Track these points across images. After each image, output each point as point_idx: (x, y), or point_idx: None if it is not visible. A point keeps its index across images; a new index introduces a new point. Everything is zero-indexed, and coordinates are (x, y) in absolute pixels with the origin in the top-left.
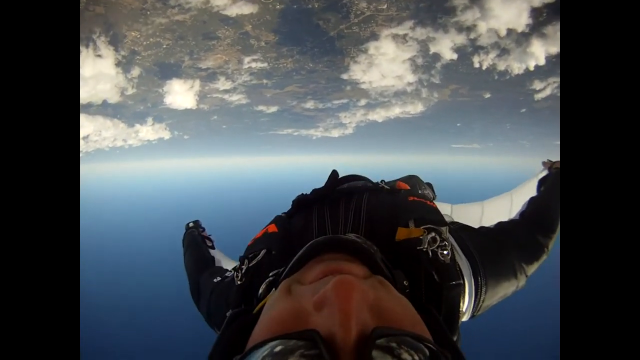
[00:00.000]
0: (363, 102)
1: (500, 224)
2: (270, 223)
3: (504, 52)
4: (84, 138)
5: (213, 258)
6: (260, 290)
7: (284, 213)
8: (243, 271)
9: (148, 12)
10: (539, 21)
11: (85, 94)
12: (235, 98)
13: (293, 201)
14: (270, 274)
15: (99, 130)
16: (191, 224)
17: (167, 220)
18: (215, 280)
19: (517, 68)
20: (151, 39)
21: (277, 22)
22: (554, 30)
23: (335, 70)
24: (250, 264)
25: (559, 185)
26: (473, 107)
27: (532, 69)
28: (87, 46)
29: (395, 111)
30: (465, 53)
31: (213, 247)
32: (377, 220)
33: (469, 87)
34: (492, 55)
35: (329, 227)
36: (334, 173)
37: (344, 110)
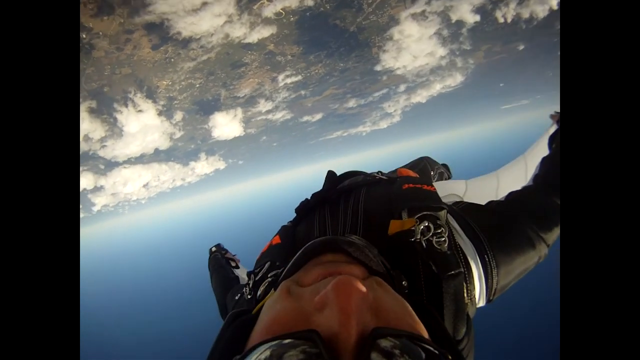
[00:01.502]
0: (402, 87)
1: (511, 194)
2: (275, 235)
3: None
4: (144, 186)
5: (237, 277)
6: (260, 291)
7: (290, 222)
8: (250, 286)
9: (172, 60)
10: None
11: (137, 147)
12: (279, 116)
13: (295, 209)
14: (269, 275)
15: (157, 176)
16: (214, 249)
17: (239, 237)
18: (236, 297)
19: (541, 11)
20: (183, 82)
21: (296, 34)
22: None
23: (367, 63)
24: (257, 279)
25: None
26: (510, 62)
27: (555, 7)
28: (126, 105)
29: (436, 88)
30: (486, 11)
31: (237, 267)
32: (373, 216)
33: (501, 43)
34: (512, 5)
35: (330, 228)
36: (330, 173)
37: (386, 100)
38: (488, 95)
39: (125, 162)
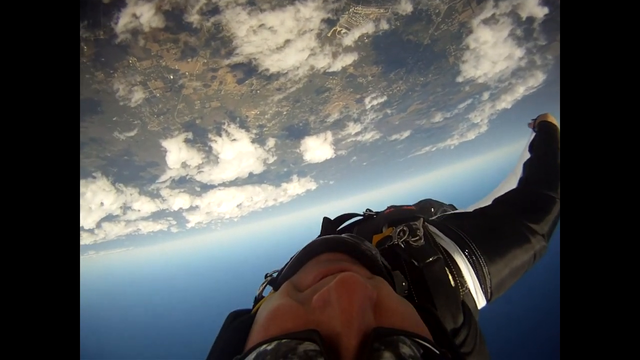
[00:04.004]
0: (486, 95)
1: (495, 199)
2: None
3: None
4: (237, 206)
5: None
6: (259, 290)
7: None
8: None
9: (258, 92)
10: None
11: (232, 172)
12: (368, 136)
13: None
14: (268, 274)
15: (250, 197)
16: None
17: None
18: None
19: None
20: (271, 111)
21: (373, 55)
22: None
23: (447, 74)
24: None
25: (549, 135)
26: None
27: None
28: (220, 135)
29: (520, 91)
30: (551, 0)
31: None
32: None
33: None
34: None
35: None
36: (325, 219)
37: (471, 110)
38: None
39: (220, 184)
